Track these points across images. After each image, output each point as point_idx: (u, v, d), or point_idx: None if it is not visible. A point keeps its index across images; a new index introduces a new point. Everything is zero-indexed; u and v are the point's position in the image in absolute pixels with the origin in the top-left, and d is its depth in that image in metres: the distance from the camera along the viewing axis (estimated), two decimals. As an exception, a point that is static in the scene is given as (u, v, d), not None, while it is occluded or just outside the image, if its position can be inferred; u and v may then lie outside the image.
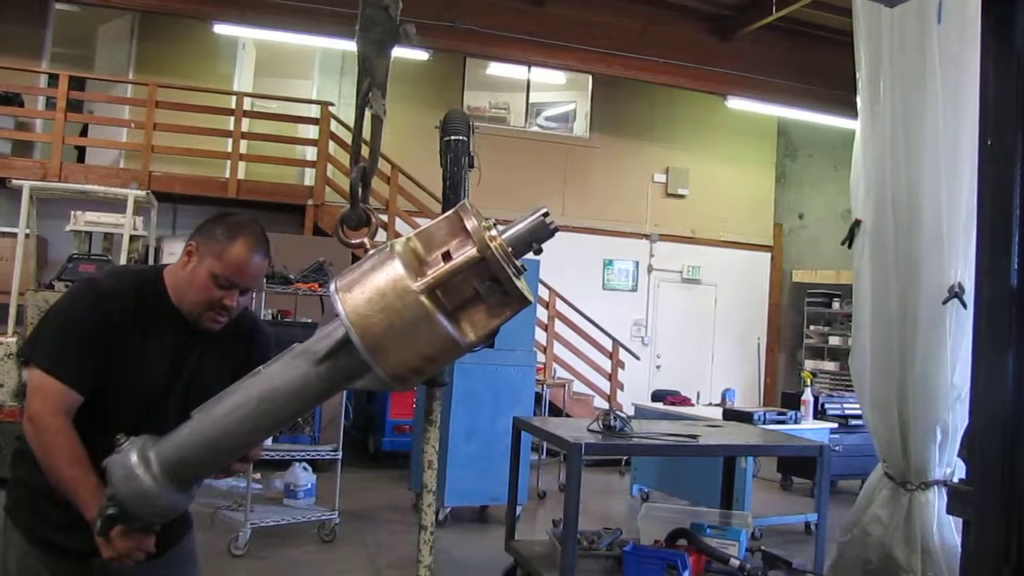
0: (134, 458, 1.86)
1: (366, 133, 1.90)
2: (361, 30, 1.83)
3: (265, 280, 6.19)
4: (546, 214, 1.65)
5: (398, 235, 11.28)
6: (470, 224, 1.58)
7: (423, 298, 1.56)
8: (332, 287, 1.64)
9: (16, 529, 2.23)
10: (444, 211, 3.35)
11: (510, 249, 1.60)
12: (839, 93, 10.04)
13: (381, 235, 1.88)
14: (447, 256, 1.59)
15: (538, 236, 1.64)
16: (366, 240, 1.84)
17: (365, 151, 1.92)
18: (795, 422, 7.43)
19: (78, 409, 2.14)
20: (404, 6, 1.85)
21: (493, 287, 1.59)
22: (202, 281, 2.21)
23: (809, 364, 14.00)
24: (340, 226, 1.92)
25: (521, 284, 1.62)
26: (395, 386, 1.66)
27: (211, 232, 2.25)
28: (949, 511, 1.79)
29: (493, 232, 1.59)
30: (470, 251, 1.57)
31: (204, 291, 2.21)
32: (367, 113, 1.87)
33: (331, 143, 11.17)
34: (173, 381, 2.28)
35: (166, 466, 1.85)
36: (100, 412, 2.16)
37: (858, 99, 5.16)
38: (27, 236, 8.47)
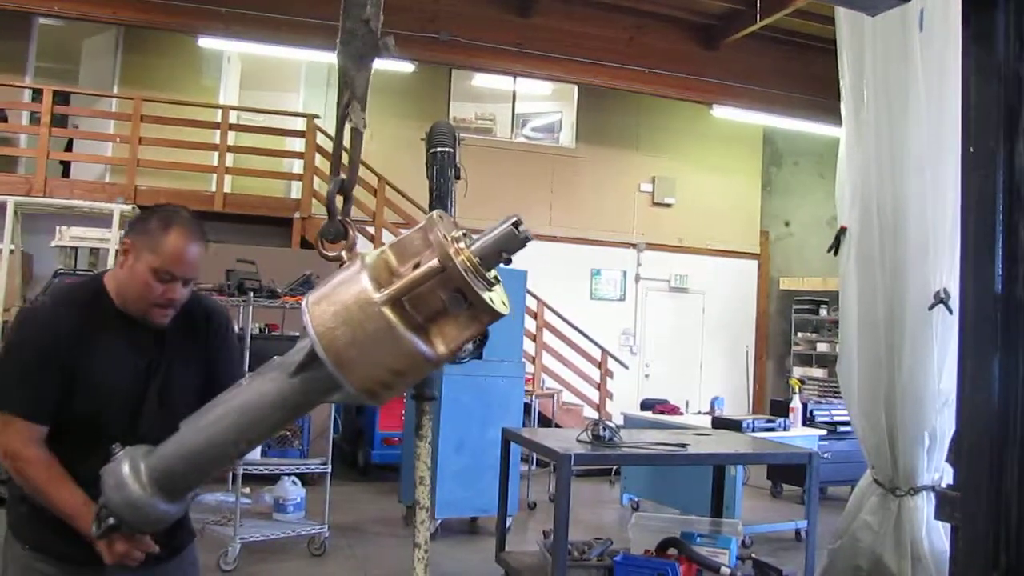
0: (126, 468, 1.88)
1: (346, 146, 1.90)
2: (341, 43, 1.83)
3: (255, 291, 6.16)
4: (516, 223, 1.59)
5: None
6: (433, 235, 1.55)
7: (385, 310, 1.53)
8: (304, 300, 1.63)
9: (19, 543, 2.24)
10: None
11: (477, 260, 1.56)
12: (824, 101, 10.11)
13: (365, 247, 1.88)
14: (416, 268, 1.57)
15: (508, 246, 1.58)
16: (343, 252, 1.84)
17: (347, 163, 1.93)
18: (784, 429, 7.45)
19: (68, 428, 2.17)
20: (388, 18, 1.85)
21: (457, 299, 1.56)
22: (142, 278, 2.20)
23: (797, 371, 14.06)
24: (320, 240, 1.93)
25: (492, 295, 1.59)
26: (366, 400, 1.65)
27: (144, 227, 2.24)
28: (937, 516, 1.79)
29: (461, 244, 1.56)
30: (431, 262, 1.53)
31: (145, 288, 2.20)
32: (347, 126, 1.87)
33: (318, 156, 11.15)
34: (143, 383, 2.27)
35: (155, 476, 1.87)
36: (85, 427, 2.17)
37: (842, 107, 5.19)
38: (12, 252, 8.45)
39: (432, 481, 6.92)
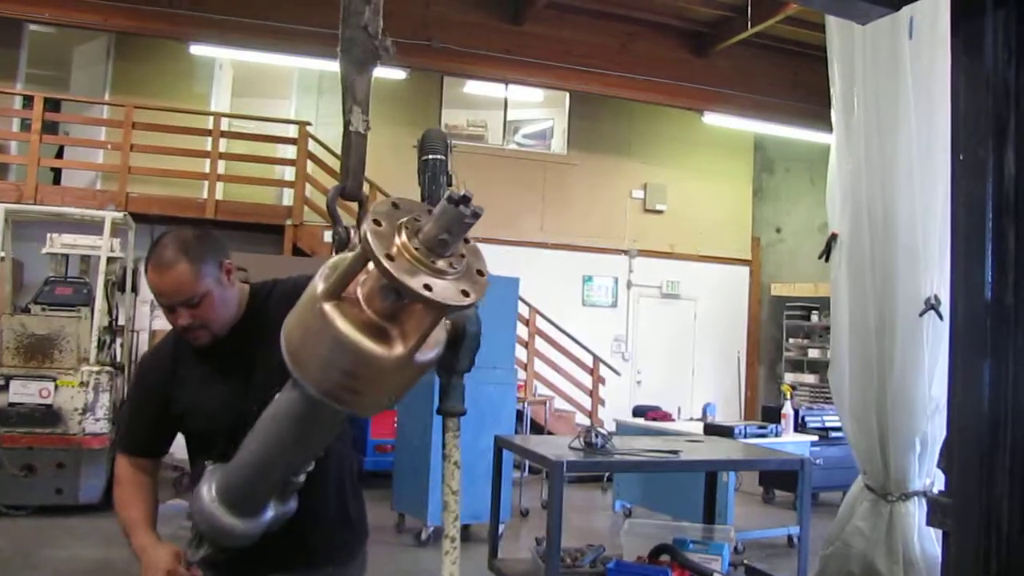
0: (203, 485, 1.95)
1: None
2: (342, 51, 1.84)
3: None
4: (457, 199, 1.36)
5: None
6: (365, 224, 1.40)
7: (326, 306, 1.48)
8: None
9: None
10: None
11: (416, 245, 1.39)
12: (815, 108, 10.14)
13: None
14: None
15: (450, 227, 1.38)
16: None
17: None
18: (776, 435, 7.46)
19: (199, 451, 2.27)
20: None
21: (388, 288, 1.46)
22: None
23: (789, 377, 14.06)
24: (335, 251, 1.96)
25: (444, 283, 1.39)
26: (331, 404, 1.57)
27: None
28: (929, 522, 1.79)
29: (401, 231, 1.40)
30: (357, 251, 1.44)
31: (169, 319, 2.20)
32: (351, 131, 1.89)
33: (309, 163, 11.13)
34: (247, 392, 2.17)
35: (220, 490, 1.92)
36: (205, 443, 2.23)
37: (833, 114, 5.21)
38: (2, 259, 8.40)
39: (424, 487, 6.92)
